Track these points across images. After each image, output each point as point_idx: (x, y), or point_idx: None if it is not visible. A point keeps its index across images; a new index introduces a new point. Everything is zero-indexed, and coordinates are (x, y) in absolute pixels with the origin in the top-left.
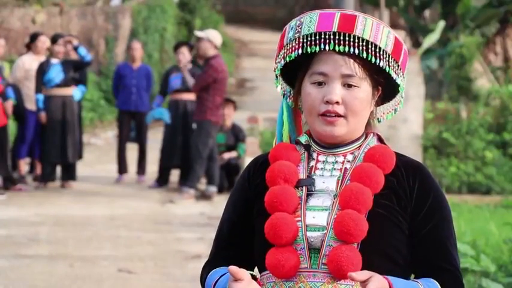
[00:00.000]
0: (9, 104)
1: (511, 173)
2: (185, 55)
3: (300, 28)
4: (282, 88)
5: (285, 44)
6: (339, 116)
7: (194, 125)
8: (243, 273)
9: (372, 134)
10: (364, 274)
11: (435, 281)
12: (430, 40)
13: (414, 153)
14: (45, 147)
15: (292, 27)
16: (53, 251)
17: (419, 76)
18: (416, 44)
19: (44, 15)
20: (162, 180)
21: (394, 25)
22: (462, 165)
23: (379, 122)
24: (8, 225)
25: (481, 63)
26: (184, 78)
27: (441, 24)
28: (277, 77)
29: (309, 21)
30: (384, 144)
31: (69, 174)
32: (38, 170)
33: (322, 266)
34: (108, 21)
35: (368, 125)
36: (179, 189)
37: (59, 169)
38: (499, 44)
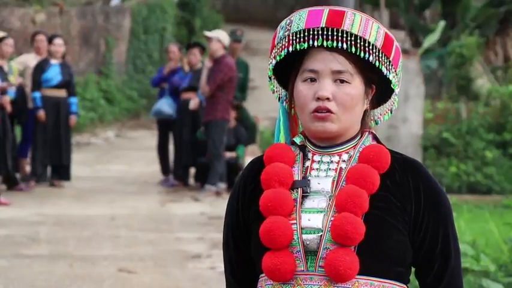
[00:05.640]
0: (6, 100)
1: (511, 173)
2: (196, 56)
3: (290, 26)
4: (277, 91)
5: (276, 43)
6: (330, 112)
7: (202, 128)
8: None
9: (367, 132)
10: None
11: None
12: (430, 40)
13: (414, 153)
14: (36, 147)
15: (283, 27)
16: (53, 250)
17: (419, 76)
18: (416, 44)
19: (44, 15)
20: (175, 177)
21: (394, 25)
22: (462, 165)
23: (376, 124)
24: (8, 225)
25: (481, 63)
26: (194, 77)
27: (441, 24)
28: (270, 78)
29: (298, 19)
30: (380, 143)
31: (62, 174)
32: (27, 169)
33: (319, 269)
34: (108, 21)
35: (364, 124)
36: (179, 186)
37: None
38: (499, 44)
